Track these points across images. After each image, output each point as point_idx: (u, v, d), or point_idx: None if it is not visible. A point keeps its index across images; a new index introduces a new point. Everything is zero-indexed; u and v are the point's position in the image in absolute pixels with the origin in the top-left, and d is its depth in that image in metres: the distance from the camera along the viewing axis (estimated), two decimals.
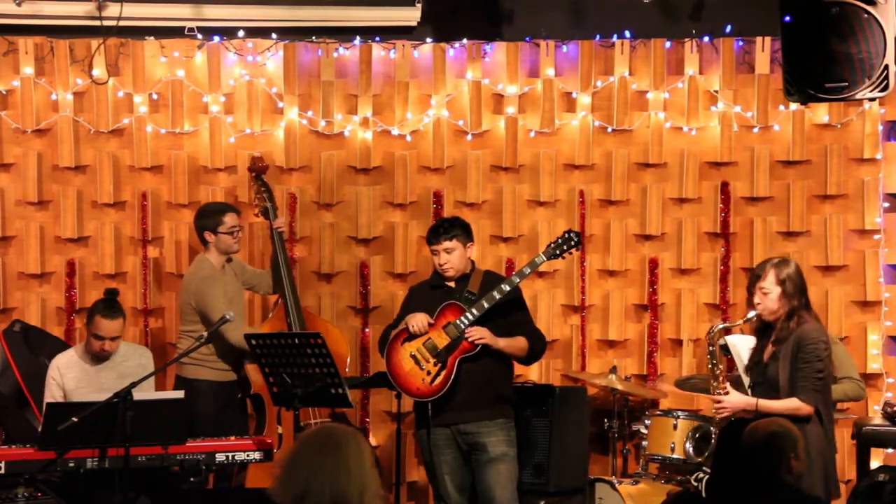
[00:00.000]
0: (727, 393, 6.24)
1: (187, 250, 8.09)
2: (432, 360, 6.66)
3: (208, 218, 7.36)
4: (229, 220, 7.33)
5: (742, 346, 6.99)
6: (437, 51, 8.16)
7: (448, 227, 6.81)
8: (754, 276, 6.23)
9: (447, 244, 6.76)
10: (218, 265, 7.35)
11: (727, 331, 6.77)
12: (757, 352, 6.28)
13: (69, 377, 6.83)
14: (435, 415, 6.67)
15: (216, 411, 7.22)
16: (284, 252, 7.53)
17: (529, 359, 6.91)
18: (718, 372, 6.33)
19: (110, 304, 6.86)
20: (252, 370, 7.14)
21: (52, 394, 6.81)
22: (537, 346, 6.84)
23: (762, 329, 6.27)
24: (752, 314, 6.24)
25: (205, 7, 8.02)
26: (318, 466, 3.77)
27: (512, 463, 6.74)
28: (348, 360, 7.61)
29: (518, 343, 6.76)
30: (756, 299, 6.19)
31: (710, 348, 6.41)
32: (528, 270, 6.82)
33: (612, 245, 8.15)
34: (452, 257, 6.77)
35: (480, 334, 6.62)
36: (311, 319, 7.50)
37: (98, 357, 6.87)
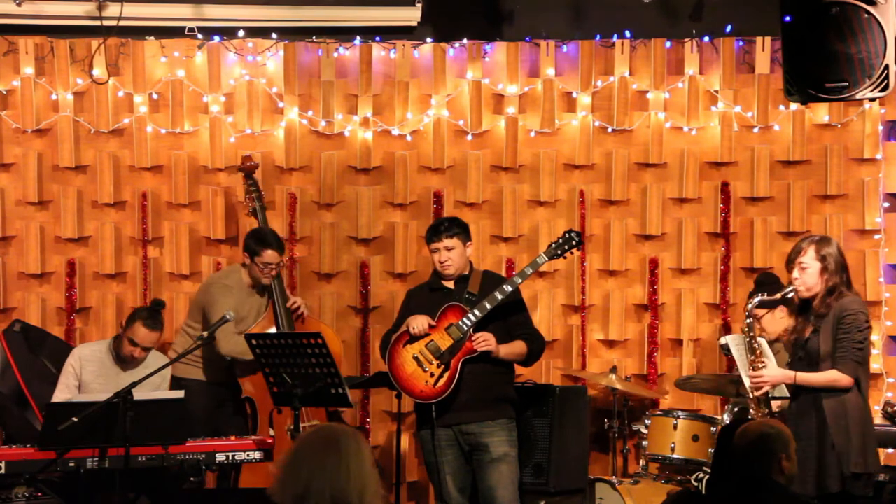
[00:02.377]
0: (765, 366, 6.22)
1: (187, 250, 8.09)
2: (435, 362, 6.66)
3: (252, 242, 7.30)
4: (268, 256, 7.23)
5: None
6: (438, 51, 8.16)
7: (448, 225, 6.82)
8: (794, 252, 6.18)
9: (448, 242, 6.76)
10: (246, 282, 7.32)
11: (765, 304, 6.72)
12: (798, 329, 6.23)
13: (88, 370, 6.90)
14: (437, 415, 6.67)
15: (208, 411, 7.21)
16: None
17: (528, 361, 6.91)
18: (756, 346, 6.29)
19: (154, 315, 6.95)
20: (244, 379, 7.17)
21: (67, 382, 6.87)
22: (536, 349, 6.84)
23: (802, 307, 6.22)
24: (789, 289, 6.19)
25: (205, 7, 8.02)
26: (318, 466, 3.76)
27: (514, 463, 6.74)
28: (342, 358, 7.60)
29: (517, 349, 6.76)
30: (794, 275, 6.15)
31: (748, 321, 6.35)
32: (530, 271, 6.82)
33: (612, 245, 8.15)
34: (453, 255, 6.77)
35: (486, 341, 6.61)
36: (305, 319, 7.49)
37: (123, 360, 6.92)
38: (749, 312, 6.37)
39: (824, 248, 6.11)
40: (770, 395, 6.38)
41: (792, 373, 6.13)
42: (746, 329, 6.34)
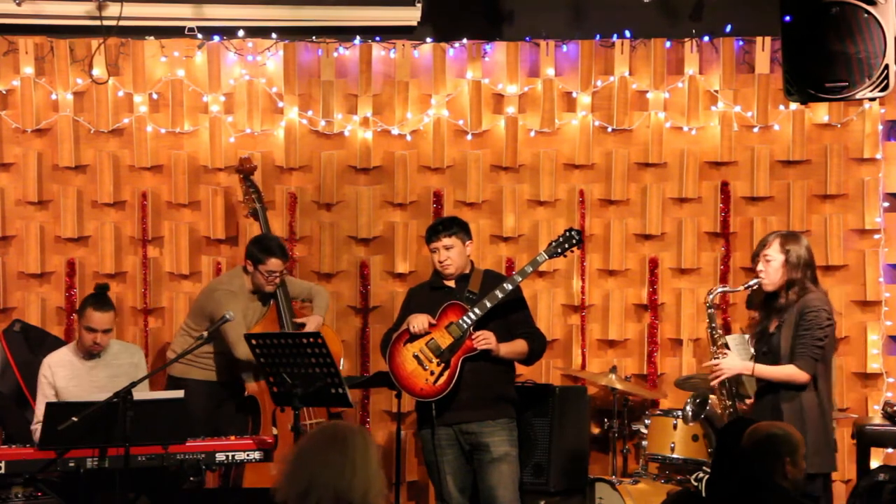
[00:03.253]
0: (725, 356, 6.24)
1: (187, 250, 8.09)
2: (435, 360, 6.65)
3: (256, 250, 7.26)
4: (272, 264, 7.20)
5: (742, 346, 6.99)
6: (437, 51, 8.16)
7: (447, 224, 6.82)
8: (760, 245, 6.23)
9: (447, 241, 6.76)
10: (248, 287, 7.31)
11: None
12: (762, 322, 6.25)
13: (60, 375, 6.83)
14: (438, 414, 6.66)
15: (208, 411, 7.20)
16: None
17: (530, 360, 6.91)
18: (717, 336, 6.32)
19: (101, 298, 6.88)
20: (246, 375, 7.16)
21: (45, 392, 6.81)
22: (537, 347, 6.84)
23: (766, 300, 6.25)
24: (753, 282, 6.23)
25: (205, 7, 8.02)
26: (323, 463, 3.76)
27: (514, 463, 6.74)
28: (342, 360, 7.60)
29: (518, 347, 6.76)
30: (759, 267, 6.18)
31: (709, 310, 6.39)
32: (531, 269, 6.81)
33: (612, 245, 8.15)
34: (452, 254, 6.77)
35: (487, 339, 6.61)
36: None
37: (90, 354, 6.88)
38: (709, 303, 6.39)
39: (789, 243, 6.15)
40: (734, 392, 6.39)
41: (750, 364, 6.17)
42: (707, 319, 6.38)
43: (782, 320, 6.11)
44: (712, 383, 6.34)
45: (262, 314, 7.33)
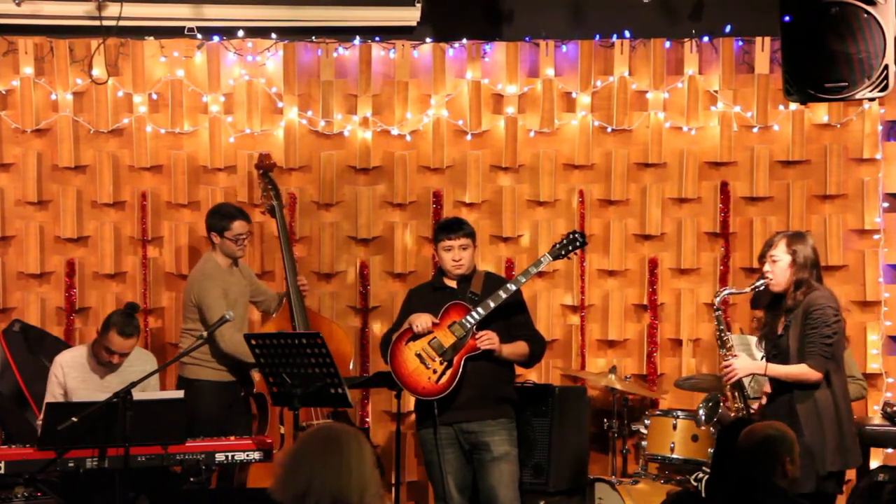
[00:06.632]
0: (736, 357, 6.23)
1: (187, 250, 8.10)
2: (438, 359, 6.64)
3: (217, 219, 7.33)
4: (237, 227, 7.29)
5: (742, 346, 6.99)
6: (437, 51, 8.16)
7: (463, 224, 6.81)
8: (766, 245, 6.21)
9: (464, 241, 6.75)
10: (224, 265, 7.34)
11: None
12: (768, 324, 6.24)
13: (72, 376, 6.81)
14: (438, 413, 6.66)
15: (219, 411, 7.21)
16: (290, 252, 7.51)
17: (529, 362, 6.91)
18: (726, 338, 6.30)
19: (129, 322, 6.74)
20: (254, 371, 7.15)
21: (53, 391, 6.80)
22: (537, 350, 6.84)
23: (772, 302, 6.24)
24: (760, 282, 6.20)
25: (205, 7, 8.02)
26: (320, 465, 3.77)
27: (514, 462, 6.74)
28: (351, 362, 7.61)
29: (520, 349, 6.76)
30: (766, 268, 6.17)
31: (717, 313, 6.38)
32: (534, 270, 6.80)
33: (611, 245, 8.16)
34: (466, 255, 6.76)
35: (490, 339, 6.60)
36: (316, 319, 7.50)
37: (104, 365, 6.84)
38: (717, 305, 6.38)
39: (795, 243, 6.13)
40: (747, 394, 6.38)
41: (762, 364, 6.14)
42: (716, 322, 6.37)
43: (789, 321, 6.10)
44: (725, 384, 6.31)
45: (243, 286, 7.37)
